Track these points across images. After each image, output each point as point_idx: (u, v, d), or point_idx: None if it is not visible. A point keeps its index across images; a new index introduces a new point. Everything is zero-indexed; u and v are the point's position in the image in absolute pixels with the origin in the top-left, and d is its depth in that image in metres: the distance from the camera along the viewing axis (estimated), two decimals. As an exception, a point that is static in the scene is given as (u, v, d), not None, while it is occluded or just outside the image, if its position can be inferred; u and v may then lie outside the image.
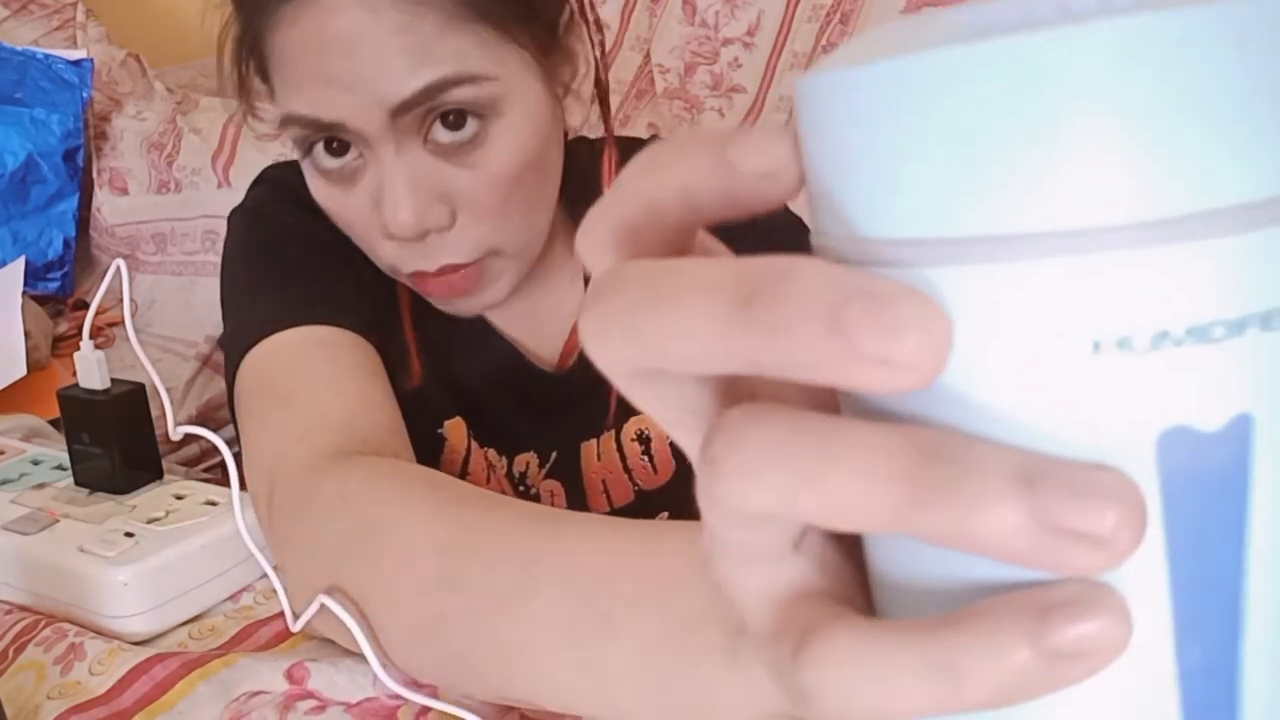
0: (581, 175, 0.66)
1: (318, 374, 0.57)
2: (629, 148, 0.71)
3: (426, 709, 0.47)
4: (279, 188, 0.70)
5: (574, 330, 0.70)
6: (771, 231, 0.66)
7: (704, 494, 0.16)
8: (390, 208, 0.56)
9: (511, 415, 0.70)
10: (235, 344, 0.61)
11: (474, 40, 0.55)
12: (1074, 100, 0.14)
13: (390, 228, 0.57)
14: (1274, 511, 0.15)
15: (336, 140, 0.57)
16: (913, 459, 0.15)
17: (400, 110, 0.55)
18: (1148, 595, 0.15)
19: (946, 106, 0.14)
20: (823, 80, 0.16)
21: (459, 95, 0.55)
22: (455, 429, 0.69)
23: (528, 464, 0.71)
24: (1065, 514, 0.14)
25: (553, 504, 0.71)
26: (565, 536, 0.40)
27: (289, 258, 0.64)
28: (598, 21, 0.65)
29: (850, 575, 0.18)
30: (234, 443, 1.12)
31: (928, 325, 0.14)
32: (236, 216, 0.70)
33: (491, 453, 0.71)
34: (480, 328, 0.69)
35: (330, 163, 0.58)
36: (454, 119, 0.56)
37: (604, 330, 0.17)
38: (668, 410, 0.18)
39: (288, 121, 0.58)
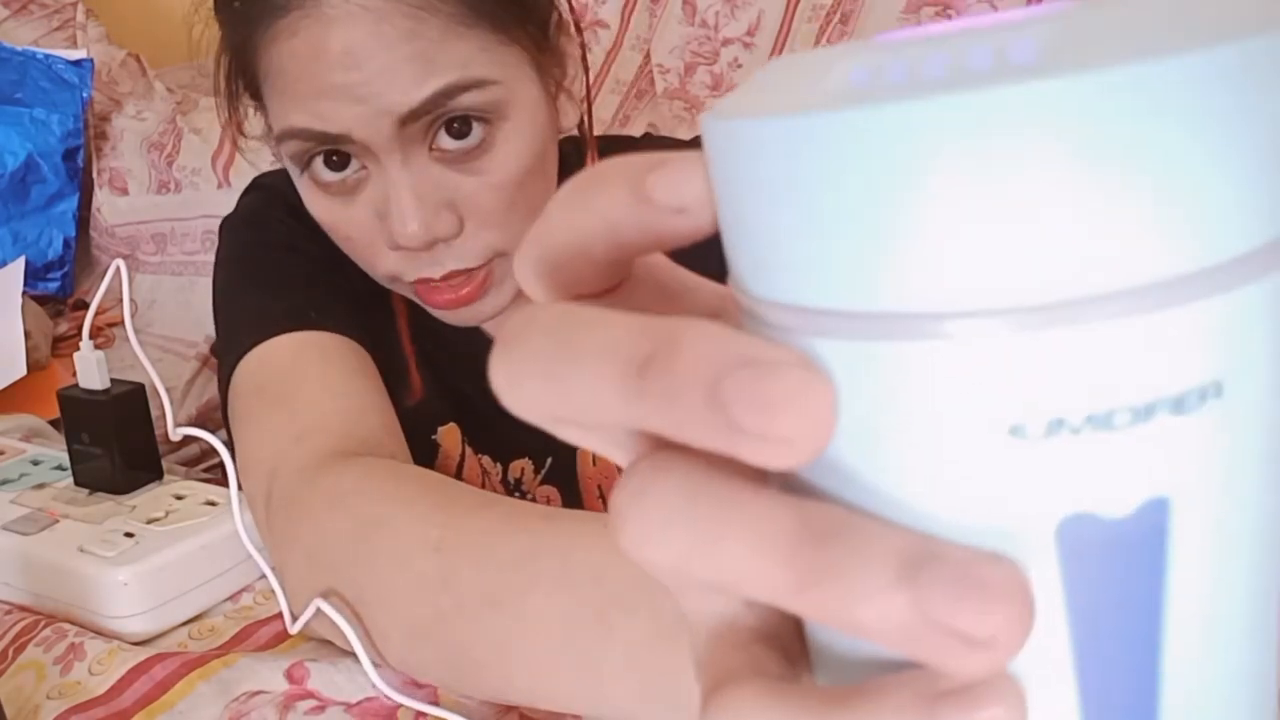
0: (569, 176, 0.65)
1: (313, 378, 0.57)
2: (610, 147, 0.70)
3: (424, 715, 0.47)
4: (271, 195, 0.69)
5: None
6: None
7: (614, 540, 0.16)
8: (398, 219, 0.55)
9: (506, 421, 0.70)
10: (229, 350, 0.61)
11: (476, 44, 0.55)
12: (941, 180, 0.13)
13: (398, 239, 0.56)
14: (1195, 596, 0.14)
15: (336, 153, 0.56)
16: (800, 538, 0.14)
17: (408, 119, 0.54)
18: (1051, 682, 0.15)
19: (831, 177, 0.13)
20: (713, 125, 0.15)
21: (466, 101, 0.55)
22: (449, 435, 0.69)
23: (523, 470, 0.71)
24: (946, 612, 0.13)
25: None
26: (560, 535, 0.40)
27: (282, 265, 0.64)
28: (577, 24, 0.65)
29: (783, 617, 0.18)
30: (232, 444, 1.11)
31: (806, 402, 0.14)
32: (228, 225, 0.70)
33: (486, 459, 0.71)
34: (474, 335, 0.68)
35: (330, 176, 0.57)
36: (459, 126, 0.56)
37: (514, 381, 0.16)
38: (595, 446, 0.18)
39: (286, 136, 0.56)
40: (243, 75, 0.60)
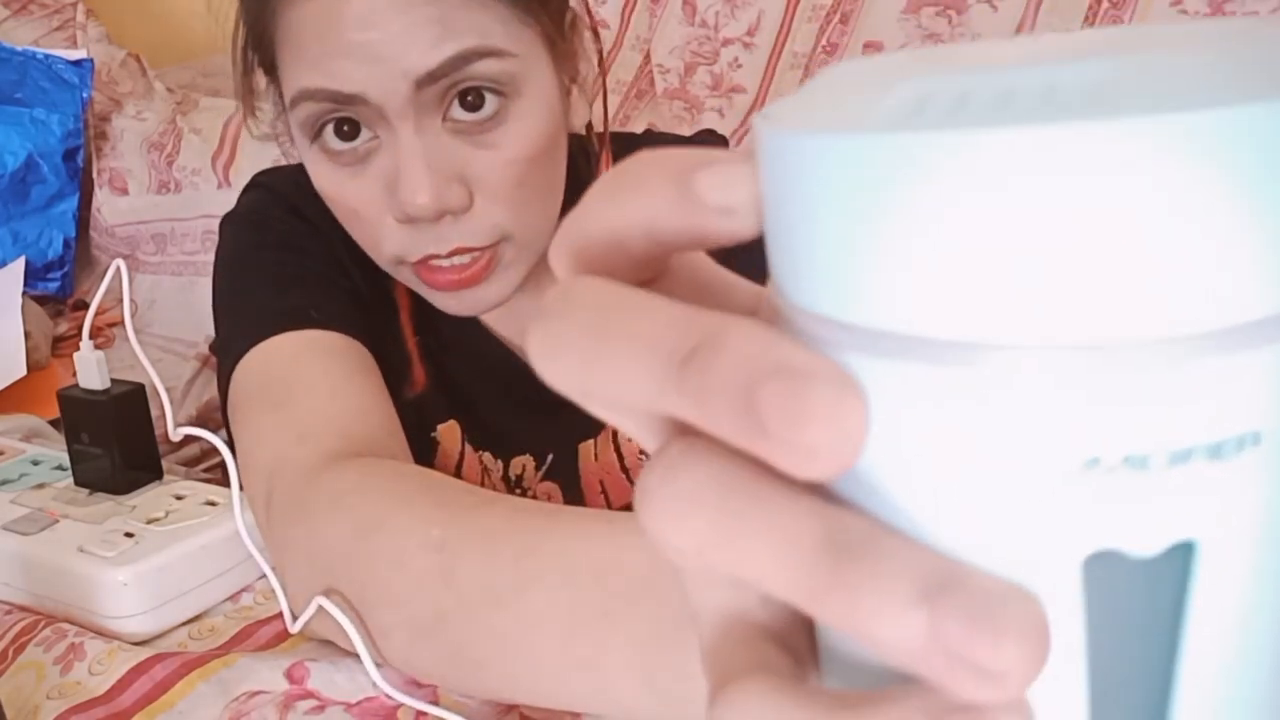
0: (575, 174, 0.65)
1: (314, 378, 0.56)
2: (623, 146, 0.70)
3: (425, 714, 0.47)
4: (272, 194, 0.69)
5: None
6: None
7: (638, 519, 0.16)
8: (408, 188, 0.55)
9: (507, 418, 0.70)
10: (229, 349, 0.61)
11: (494, 16, 0.55)
12: (987, 213, 0.13)
13: (408, 208, 0.55)
14: (1214, 639, 0.15)
15: (348, 122, 0.56)
16: (824, 544, 0.14)
17: (425, 81, 0.54)
18: (1064, 711, 0.15)
19: (879, 199, 0.13)
20: (766, 132, 0.15)
21: (483, 69, 0.54)
22: (449, 433, 0.69)
23: (524, 467, 0.71)
24: (961, 640, 0.13)
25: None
26: (561, 531, 0.40)
27: (283, 263, 0.63)
28: (594, 29, 0.65)
29: (794, 616, 0.17)
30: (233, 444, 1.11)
31: (837, 416, 0.14)
32: (229, 222, 0.69)
33: (487, 456, 0.70)
34: (475, 330, 0.68)
35: (340, 145, 0.56)
36: (473, 98, 0.55)
37: (551, 352, 0.16)
38: (623, 425, 0.18)
39: (300, 99, 0.56)
40: (258, 47, 0.60)
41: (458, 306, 0.61)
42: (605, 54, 0.67)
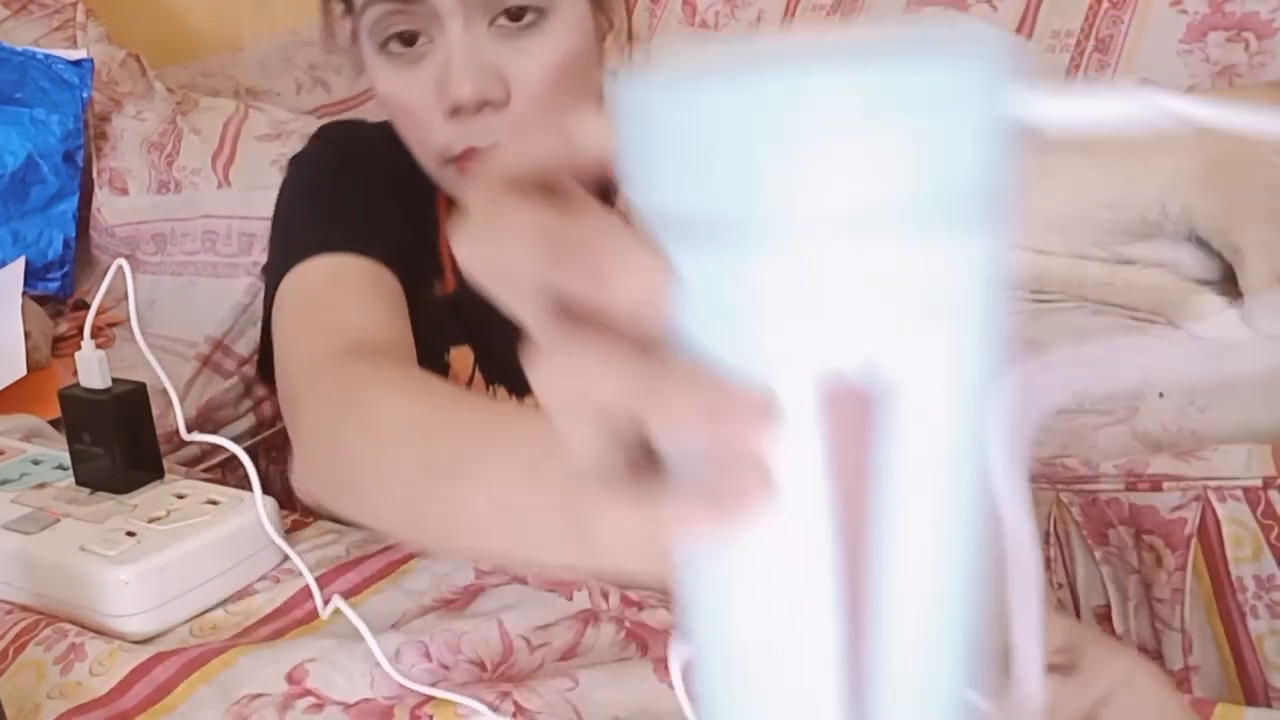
0: None
1: (345, 295, 0.64)
2: None
3: (422, 709, 0.47)
4: (330, 141, 0.79)
5: None
6: None
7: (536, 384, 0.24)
8: (455, 79, 0.64)
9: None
10: (277, 268, 0.68)
11: None
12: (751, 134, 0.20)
13: (454, 96, 0.64)
14: (914, 472, 0.21)
15: (407, 32, 0.66)
16: (644, 374, 0.21)
17: None
18: (809, 506, 0.21)
19: (668, 123, 0.21)
20: (612, 82, 0.22)
21: None
22: (461, 358, 0.74)
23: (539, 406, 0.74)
24: (725, 407, 0.20)
25: None
26: (512, 414, 0.46)
27: (333, 194, 0.73)
28: None
29: (645, 459, 0.24)
30: (239, 439, 1.11)
31: (649, 273, 0.21)
32: (292, 163, 0.79)
33: (502, 390, 0.75)
34: None
35: (400, 49, 0.66)
36: (516, 11, 0.65)
37: (466, 240, 0.24)
38: (513, 303, 0.24)
39: (369, 3, 0.66)
40: None
41: None
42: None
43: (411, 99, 0.67)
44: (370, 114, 2.20)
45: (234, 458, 0.61)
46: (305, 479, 0.54)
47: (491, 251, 0.24)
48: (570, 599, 0.54)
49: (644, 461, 0.24)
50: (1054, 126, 0.22)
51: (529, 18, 0.66)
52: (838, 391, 0.20)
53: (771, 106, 0.19)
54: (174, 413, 0.65)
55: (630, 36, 0.76)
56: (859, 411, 0.20)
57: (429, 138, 0.68)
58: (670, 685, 0.48)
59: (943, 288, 0.21)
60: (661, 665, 0.49)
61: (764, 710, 0.23)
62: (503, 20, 0.65)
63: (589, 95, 0.70)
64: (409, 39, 0.66)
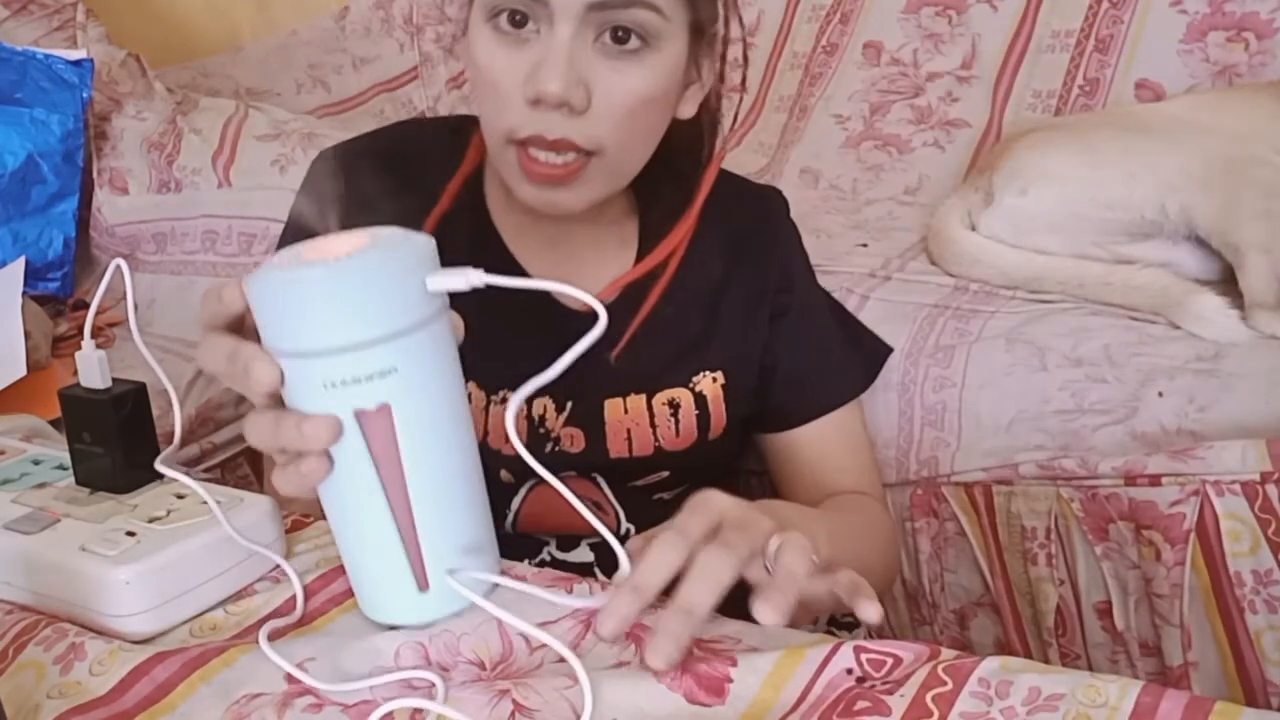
0: (674, 168, 0.82)
1: None
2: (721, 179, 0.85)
3: (421, 711, 0.47)
4: (341, 162, 0.82)
5: (610, 285, 0.81)
6: (764, 199, 0.94)
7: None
8: (548, 73, 0.68)
9: (534, 360, 0.72)
10: None
11: None
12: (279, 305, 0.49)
13: (540, 91, 0.68)
14: (411, 442, 0.50)
15: (520, 14, 0.69)
16: (272, 420, 0.50)
17: (596, 7, 0.68)
18: (362, 471, 0.50)
19: (259, 299, 0.50)
20: (246, 278, 0.50)
21: (639, 15, 0.69)
22: None
23: (545, 408, 0.81)
24: (292, 433, 0.49)
25: (571, 447, 0.81)
26: None
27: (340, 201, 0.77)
28: (744, 51, 0.82)
29: None
30: (232, 444, 1.12)
31: (262, 371, 0.49)
32: (317, 159, 0.84)
33: (506, 392, 0.78)
34: (515, 271, 0.79)
35: (509, 28, 0.70)
36: (622, 34, 0.69)
37: (207, 362, 0.52)
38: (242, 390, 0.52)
39: None
40: None
41: (537, 198, 0.73)
42: (727, 75, 0.85)
43: (502, 76, 0.70)
44: (370, 114, 2.21)
45: (234, 457, 0.61)
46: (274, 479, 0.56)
47: (208, 362, 0.51)
48: (570, 592, 0.54)
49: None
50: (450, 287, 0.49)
51: (633, 44, 0.70)
52: (366, 413, 0.49)
53: (294, 287, 0.48)
54: (173, 414, 0.65)
55: (712, 96, 0.81)
56: (382, 417, 0.49)
57: (503, 115, 0.71)
58: (668, 687, 0.48)
59: (406, 365, 0.49)
60: (661, 665, 0.49)
61: (363, 556, 0.54)
62: (607, 39, 0.70)
63: (656, 126, 0.75)
64: (520, 22, 0.70)
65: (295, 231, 0.76)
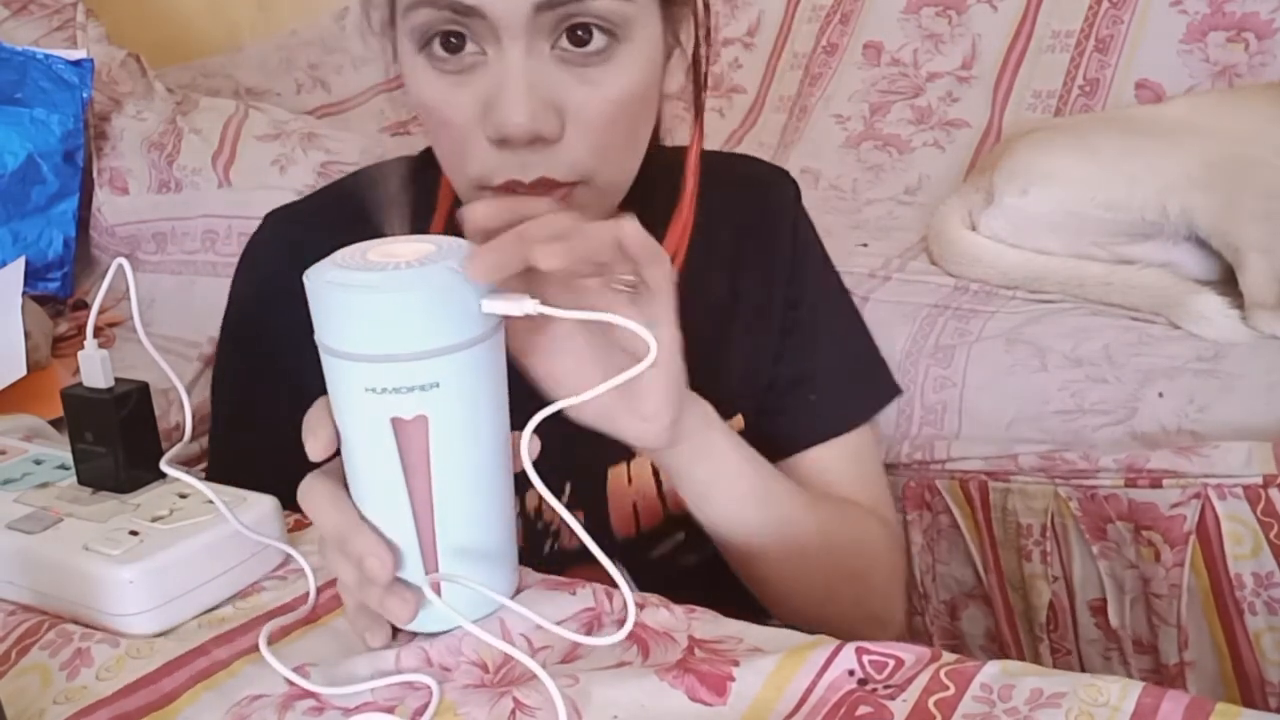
0: (652, 176, 0.68)
1: None
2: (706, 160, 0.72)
3: (421, 711, 0.48)
4: (300, 212, 0.75)
5: None
6: (766, 188, 0.79)
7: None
8: (508, 107, 0.56)
9: (531, 396, 0.61)
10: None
11: None
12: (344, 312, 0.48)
13: (504, 127, 0.57)
14: (443, 455, 0.49)
15: (456, 34, 0.58)
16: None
17: (544, 7, 0.55)
18: (389, 476, 0.49)
19: (333, 305, 0.48)
20: (306, 276, 0.49)
21: (599, 6, 0.56)
22: None
23: (539, 500, 0.69)
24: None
25: (572, 542, 0.70)
26: None
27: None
28: (707, 6, 0.67)
29: None
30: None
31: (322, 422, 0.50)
32: (246, 251, 0.75)
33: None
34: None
35: (445, 55, 0.58)
36: (583, 33, 0.57)
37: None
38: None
39: (419, 4, 0.57)
40: None
41: None
42: (711, 30, 0.69)
43: (454, 114, 0.59)
44: (371, 115, 2.20)
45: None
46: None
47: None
48: (574, 594, 0.55)
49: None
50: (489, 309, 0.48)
51: (598, 43, 0.57)
52: (402, 421, 0.48)
53: (348, 292, 0.47)
54: (183, 410, 0.64)
55: (696, 60, 0.68)
56: (418, 427, 0.48)
57: (467, 161, 0.60)
58: (670, 685, 0.48)
59: (450, 380, 0.48)
60: (663, 666, 0.49)
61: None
62: (566, 44, 0.57)
63: (645, 127, 0.64)
64: (456, 46, 0.58)
65: (238, 321, 0.73)
